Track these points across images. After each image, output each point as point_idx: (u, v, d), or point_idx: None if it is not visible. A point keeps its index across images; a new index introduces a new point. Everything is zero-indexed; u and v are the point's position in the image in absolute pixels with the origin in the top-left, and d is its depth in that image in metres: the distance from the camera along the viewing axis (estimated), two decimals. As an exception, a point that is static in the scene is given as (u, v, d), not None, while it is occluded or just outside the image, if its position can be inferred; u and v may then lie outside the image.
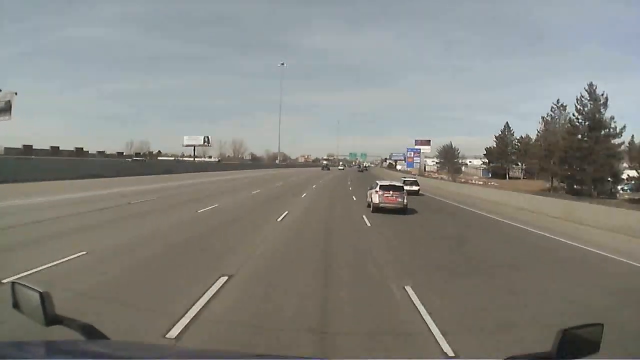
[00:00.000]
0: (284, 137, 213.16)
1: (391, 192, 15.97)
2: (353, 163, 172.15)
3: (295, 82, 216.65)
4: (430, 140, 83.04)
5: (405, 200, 15.80)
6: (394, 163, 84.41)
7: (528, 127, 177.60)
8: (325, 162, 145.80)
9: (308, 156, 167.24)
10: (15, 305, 1.55)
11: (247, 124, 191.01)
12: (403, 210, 15.20)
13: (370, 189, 16.77)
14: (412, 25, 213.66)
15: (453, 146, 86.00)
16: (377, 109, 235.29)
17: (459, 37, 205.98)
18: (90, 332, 1.51)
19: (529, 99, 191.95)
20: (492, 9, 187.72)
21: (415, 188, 24.33)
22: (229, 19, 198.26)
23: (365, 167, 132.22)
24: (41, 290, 1.44)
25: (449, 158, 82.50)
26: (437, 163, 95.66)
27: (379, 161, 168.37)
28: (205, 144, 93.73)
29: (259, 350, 3.53)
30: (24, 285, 1.51)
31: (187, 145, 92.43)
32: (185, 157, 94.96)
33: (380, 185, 16.14)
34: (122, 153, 67.56)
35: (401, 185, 16.94)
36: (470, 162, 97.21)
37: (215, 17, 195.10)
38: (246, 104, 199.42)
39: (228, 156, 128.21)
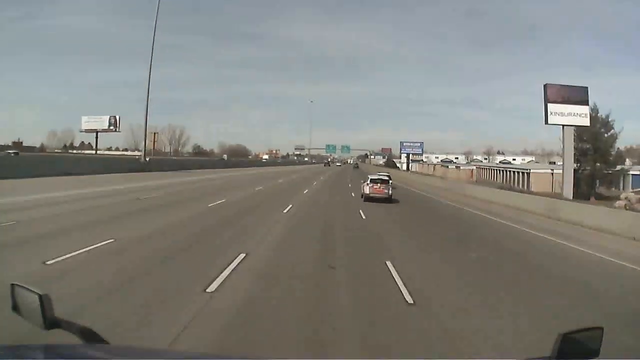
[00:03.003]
0: (247, 131, 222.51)
1: (379, 185, 21.24)
2: (330, 158, 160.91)
3: (262, 74, 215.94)
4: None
5: (390, 191, 21.28)
6: (405, 158, 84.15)
7: (507, 123, 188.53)
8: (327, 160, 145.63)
9: (276, 151, 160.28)
10: (15, 307, 1.58)
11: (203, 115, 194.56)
12: (389, 199, 20.89)
13: (363, 182, 22.77)
14: (389, 18, 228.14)
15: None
16: (351, 103, 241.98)
17: (438, 31, 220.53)
18: (90, 336, 1.55)
19: (508, 95, 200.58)
20: (470, 2, 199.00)
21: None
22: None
23: (356, 164, 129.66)
24: (41, 293, 1.48)
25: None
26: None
27: (352, 158, 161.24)
28: (112, 128, 72.33)
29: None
30: (24, 287, 1.54)
31: (87, 131, 73.41)
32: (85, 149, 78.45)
33: (370, 179, 21.73)
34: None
35: (387, 179, 22.49)
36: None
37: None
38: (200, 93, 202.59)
39: (155, 149, 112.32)
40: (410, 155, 78.58)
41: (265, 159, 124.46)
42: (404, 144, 77.64)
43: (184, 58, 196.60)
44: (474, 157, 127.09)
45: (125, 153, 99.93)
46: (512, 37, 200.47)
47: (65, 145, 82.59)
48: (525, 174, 51.22)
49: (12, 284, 1.55)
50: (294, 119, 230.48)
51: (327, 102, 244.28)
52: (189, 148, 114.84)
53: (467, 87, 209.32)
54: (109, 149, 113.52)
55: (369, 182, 21.32)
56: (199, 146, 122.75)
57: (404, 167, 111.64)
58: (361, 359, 3.96)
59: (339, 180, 40.86)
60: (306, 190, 25.43)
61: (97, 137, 72.24)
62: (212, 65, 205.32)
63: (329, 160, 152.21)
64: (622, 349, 3.97)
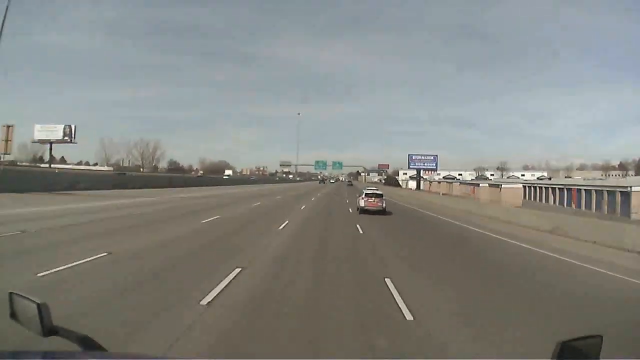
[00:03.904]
0: (234, 148, 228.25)
1: (373, 199, 24.43)
2: (321, 176, 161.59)
3: (249, 93, 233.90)
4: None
5: (384, 204, 24.49)
6: (402, 175, 64.47)
7: (498, 143, 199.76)
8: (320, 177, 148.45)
9: (264, 169, 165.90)
10: (13, 315, 1.65)
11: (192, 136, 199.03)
12: (382, 212, 24.14)
13: (359, 196, 26.17)
14: (376, 38, 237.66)
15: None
16: (340, 122, 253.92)
17: (424, 50, 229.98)
18: (88, 344, 1.61)
19: (496, 114, 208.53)
20: (458, 22, 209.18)
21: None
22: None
23: (350, 181, 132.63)
24: (39, 301, 1.55)
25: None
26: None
27: (344, 176, 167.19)
28: (66, 138, 66.69)
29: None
30: (22, 295, 1.62)
31: (41, 141, 68.73)
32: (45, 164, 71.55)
33: (365, 194, 24.99)
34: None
35: (381, 193, 25.82)
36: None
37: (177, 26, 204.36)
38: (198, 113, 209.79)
39: (121, 164, 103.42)
40: (422, 171, 68.97)
41: (238, 176, 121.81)
42: (413, 157, 67.40)
43: (170, 77, 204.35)
44: (480, 174, 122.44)
45: (93, 168, 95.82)
46: (497, 58, 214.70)
47: (34, 158, 79.69)
48: (618, 194, 37.41)
49: (10, 293, 1.64)
50: (281, 138, 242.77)
51: (314, 121, 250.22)
52: (164, 164, 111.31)
53: (455, 107, 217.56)
54: (79, 163, 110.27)
55: (364, 196, 24.69)
56: (175, 162, 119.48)
57: (410, 184, 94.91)
58: (361, 359, 4.32)
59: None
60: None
61: (51, 149, 67.90)
62: (199, 84, 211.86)
63: (322, 177, 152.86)
64: None
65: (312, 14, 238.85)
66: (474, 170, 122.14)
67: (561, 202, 46.96)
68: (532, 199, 53.20)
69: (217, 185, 64.20)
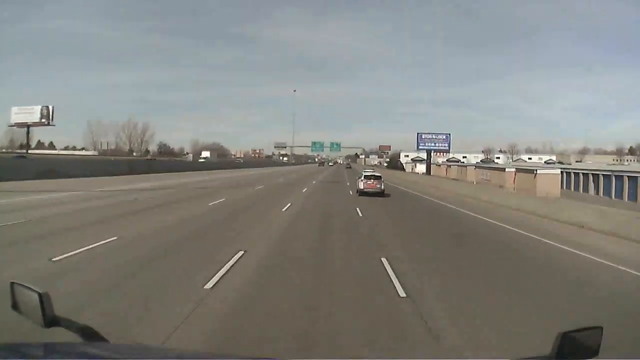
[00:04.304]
0: (230, 130, 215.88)
1: (372, 180, 24.52)
2: (318, 158, 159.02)
3: (245, 74, 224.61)
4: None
5: (382, 186, 24.71)
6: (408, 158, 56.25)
7: (493, 122, 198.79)
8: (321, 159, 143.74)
9: (260, 151, 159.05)
10: (14, 306, 1.66)
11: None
12: (381, 193, 24.40)
13: (358, 179, 26.51)
14: (376, 17, 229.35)
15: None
16: (337, 103, 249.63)
17: (424, 31, 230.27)
18: (89, 334, 1.63)
19: (494, 96, 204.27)
20: (457, 3, 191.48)
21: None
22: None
23: (348, 163, 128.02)
24: (40, 291, 1.57)
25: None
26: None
27: (342, 158, 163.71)
28: (44, 120, 62.27)
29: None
30: (23, 285, 1.63)
31: (18, 125, 64.20)
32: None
33: (365, 176, 25.16)
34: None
35: (379, 175, 26.19)
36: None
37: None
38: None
39: (110, 148, 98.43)
40: (433, 152, 62.46)
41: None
42: (423, 136, 59.50)
43: (162, 59, 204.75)
44: (487, 157, 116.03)
45: (76, 153, 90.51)
46: (498, 38, 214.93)
47: (21, 145, 73.60)
48: None
49: (12, 283, 1.66)
50: (278, 119, 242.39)
51: (311, 104, 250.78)
52: (154, 146, 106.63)
53: (455, 87, 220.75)
54: (66, 147, 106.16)
55: (363, 178, 25.06)
56: (166, 144, 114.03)
57: (418, 168, 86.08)
58: (361, 359, 4.33)
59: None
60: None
61: (28, 133, 64.72)
62: (194, 66, 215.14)
63: (321, 160, 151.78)
64: None
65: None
66: (482, 152, 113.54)
67: (606, 193, 39.73)
68: (568, 187, 45.99)
69: (181, 172, 50.92)
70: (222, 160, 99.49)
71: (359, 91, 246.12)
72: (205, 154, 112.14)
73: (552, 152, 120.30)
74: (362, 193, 24.42)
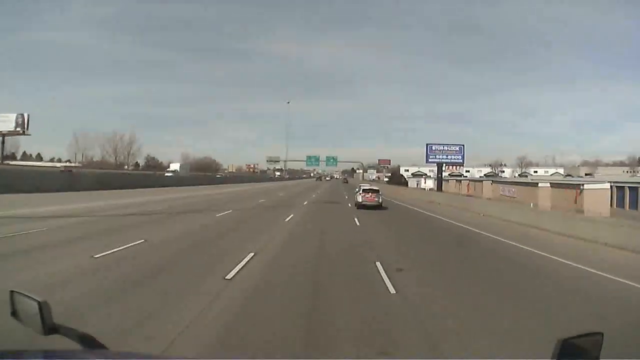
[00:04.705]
0: (222, 146, 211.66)
1: (370, 194, 25.59)
2: (314, 172, 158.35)
3: (239, 89, 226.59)
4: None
5: (380, 199, 25.91)
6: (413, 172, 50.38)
7: (491, 138, 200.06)
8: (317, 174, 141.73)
9: (254, 166, 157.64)
10: (14, 314, 1.67)
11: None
12: (379, 206, 25.71)
13: (356, 192, 27.98)
14: (370, 34, 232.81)
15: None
16: (333, 119, 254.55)
17: (419, 46, 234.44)
18: (89, 342, 1.63)
19: (490, 110, 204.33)
20: (452, 18, 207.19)
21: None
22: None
23: (345, 178, 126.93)
24: (40, 300, 1.57)
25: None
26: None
27: (338, 173, 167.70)
28: (18, 129, 57.86)
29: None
30: (23, 294, 1.65)
31: None
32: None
33: (363, 189, 26.44)
34: None
35: (377, 189, 27.70)
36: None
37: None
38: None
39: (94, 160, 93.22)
40: (444, 166, 54.13)
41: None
42: (433, 148, 52.71)
43: (155, 73, 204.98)
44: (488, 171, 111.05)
45: (57, 164, 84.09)
46: (493, 53, 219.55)
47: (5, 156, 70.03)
48: None
49: (11, 291, 1.68)
50: (273, 135, 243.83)
51: (306, 119, 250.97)
52: (142, 159, 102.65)
53: (450, 103, 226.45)
54: (52, 160, 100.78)
55: (361, 191, 26.22)
56: (153, 157, 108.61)
57: (424, 184, 78.98)
58: (361, 359, 4.58)
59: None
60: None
61: (3, 142, 60.19)
62: (188, 81, 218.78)
63: (319, 175, 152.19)
64: None
65: (305, 8, 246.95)
66: (489, 165, 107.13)
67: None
68: (616, 205, 38.84)
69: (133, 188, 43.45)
70: (197, 174, 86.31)
71: (355, 107, 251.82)
72: (175, 165, 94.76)
73: (554, 165, 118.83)
74: (360, 206, 25.94)
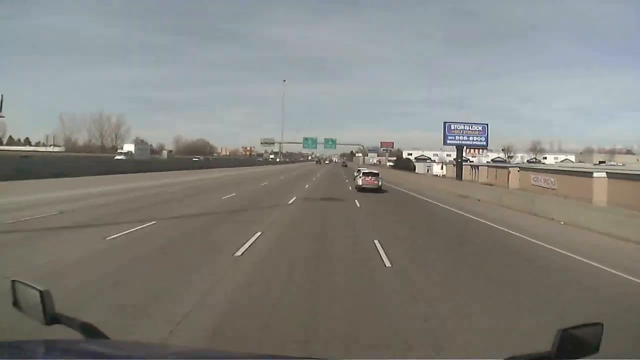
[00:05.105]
0: (217, 128, 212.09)
1: (370, 177, 26.31)
2: (312, 156, 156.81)
3: (236, 72, 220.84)
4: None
5: (380, 182, 26.63)
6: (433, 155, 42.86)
7: (491, 123, 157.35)
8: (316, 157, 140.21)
9: (250, 149, 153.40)
10: (15, 303, 1.67)
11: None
12: (379, 189, 26.42)
13: (356, 175, 29.28)
14: (372, 17, 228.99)
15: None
16: (331, 102, 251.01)
17: (420, 31, 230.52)
18: (90, 332, 1.65)
19: (489, 95, 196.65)
20: (454, 3, 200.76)
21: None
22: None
23: (344, 162, 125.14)
24: (41, 289, 1.59)
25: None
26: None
27: (337, 156, 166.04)
28: None
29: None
30: (24, 283, 1.65)
31: None
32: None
33: (363, 172, 27.49)
34: None
35: (377, 172, 29.03)
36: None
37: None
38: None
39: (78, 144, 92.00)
40: (465, 149, 43.96)
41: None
42: (452, 127, 43.32)
43: (150, 56, 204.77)
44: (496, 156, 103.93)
45: (40, 149, 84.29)
46: (493, 39, 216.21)
47: None
48: None
49: (13, 280, 1.69)
50: (269, 118, 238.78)
51: (304, 102, 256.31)
52: (130, 142, 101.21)
53: (449, 87, 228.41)
54: (37, 144, 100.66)
55: (361, 175, 26.91)
56: (142, 140, 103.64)
57: (438, 169, 71.51)
58: (361, 359, 4.64)
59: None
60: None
61: None
62: (186, 63, 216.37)
63: (318, 158, 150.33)
64: None
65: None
66: (502, 150, 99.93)
67: None
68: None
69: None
70: (181, 157, 74.53)
71: (353, 90, 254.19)
72: (129, 147, 75.90)
73: (560, 152, 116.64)
74: (360, 189, 26.46)
